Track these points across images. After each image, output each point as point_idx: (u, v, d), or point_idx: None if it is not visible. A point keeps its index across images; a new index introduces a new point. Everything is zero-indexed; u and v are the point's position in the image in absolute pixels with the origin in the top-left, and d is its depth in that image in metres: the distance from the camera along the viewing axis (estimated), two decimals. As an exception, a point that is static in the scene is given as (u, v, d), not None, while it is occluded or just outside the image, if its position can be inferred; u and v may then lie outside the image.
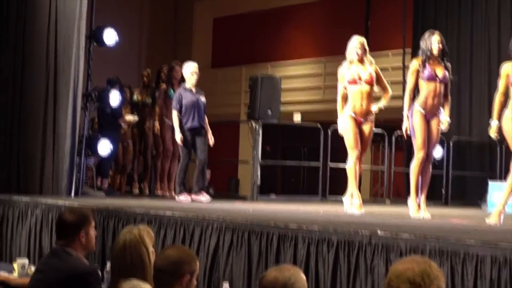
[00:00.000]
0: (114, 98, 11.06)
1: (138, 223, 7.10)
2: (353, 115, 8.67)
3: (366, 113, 8.73)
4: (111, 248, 4.71)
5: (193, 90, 10.38)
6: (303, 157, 18.69)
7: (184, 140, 10.21)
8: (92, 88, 11.04)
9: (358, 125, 8.71)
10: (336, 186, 12.89)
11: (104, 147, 10.95)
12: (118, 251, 4.52)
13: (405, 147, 14.87)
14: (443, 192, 13.37)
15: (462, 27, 14.34)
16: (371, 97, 8.80)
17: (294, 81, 19.62)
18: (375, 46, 17.28)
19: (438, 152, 13.77)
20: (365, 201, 13.08)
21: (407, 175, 14.50)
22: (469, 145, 14.03)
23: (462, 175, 13.55)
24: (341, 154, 16.16)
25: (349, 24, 18.52)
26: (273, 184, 19.18)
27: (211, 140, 10.42)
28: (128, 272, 4.37)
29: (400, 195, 15.22)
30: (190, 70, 10.44)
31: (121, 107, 11.90)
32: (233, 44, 21.19)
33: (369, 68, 8.73)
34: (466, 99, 14.09)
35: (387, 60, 17.83)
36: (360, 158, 8.79)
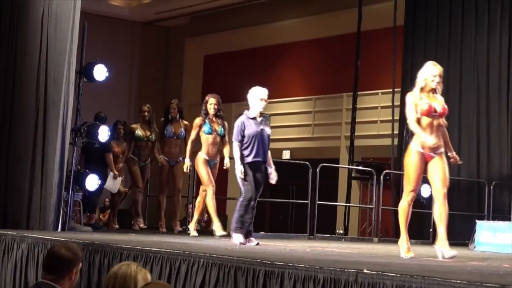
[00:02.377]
0: (103, 133, 11.06)
1: (125, 259, 7.08)
2: (422, 150, 7.72)
3: (436, 147, 7.75)
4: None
5: (258, 119, 9.23)
6: (291, 194, 18.69)
7: (247, 175, 9.09)
8: (81, 123, 11.04)
9: (426, 161, 7.77)
10: (324, 224, 12.89)
11: (92, 182, 10.93)
12: (110, 276, 4.49)
13: (393, 186, 14.92)
14: (431, 231, 13.38)
15: (451, 68, 14.47)
16: (440, 131, 7.87)
17: (284, 118, 19.71)
18: (365, 85, 17.45)
19: (426, 191, 13.81)
20: (353, 240, 13.11)
21: (396, 214, 14.59)
22: (457, 184, 14.08)
23: (450, 214, 13.55)
24: (328, 192, 16.22)
25: (339, 63, 18.66)
26: (261, 221, 19.14)
27: (275, 177, 9.41)
28: None
29: (388, 233, 15.22)
30: (259, 96, 9.20)
31: (110, 143, 11.91)
32: (223, 81, 21.29)
33: (441, 99, 7.88)
34: (455, 138, 14.17)
35: (376, 99, 17.96)
36: (445, 197, 7.98)
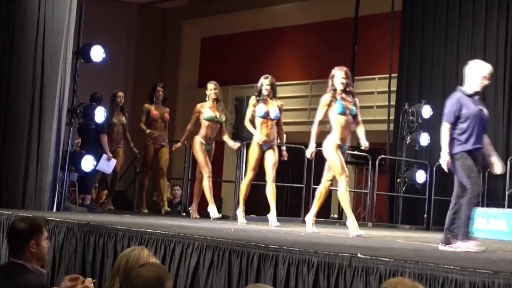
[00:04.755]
0: (99, 114, 11.06)
1: (120, 240, 7.11)
2: None
3: None
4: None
5: (475, 97, 7.42)
6: (287, 178, 18.69)
7: (465, 166, 7.21)
8: (78, 104, 11.04)
9: None
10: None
11: (88, 163, 10.95)
12: (122, 256, 4.45)
13: (388, 171, 14.93)
14: (425, 216, 13.44)
15: (448, 54, 14.47)
16: None
17: (280, 102, 19.65)
18: (362, 70, 17.42)
19: (421, 177, 13.85)
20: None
21: (390, 199, 14.64)
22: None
23: (445, 201, 13.60)
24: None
25: (336, 48, 18.62)
26: (256, 205, 19.14)
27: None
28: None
29: (382, 218, 15.25)
30: (482, 73, 7.33)
31: (105, 124, 11.88)
32: (220, 64, 21.24)
33: None
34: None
35: (373, 85, 17.93)
36: None
